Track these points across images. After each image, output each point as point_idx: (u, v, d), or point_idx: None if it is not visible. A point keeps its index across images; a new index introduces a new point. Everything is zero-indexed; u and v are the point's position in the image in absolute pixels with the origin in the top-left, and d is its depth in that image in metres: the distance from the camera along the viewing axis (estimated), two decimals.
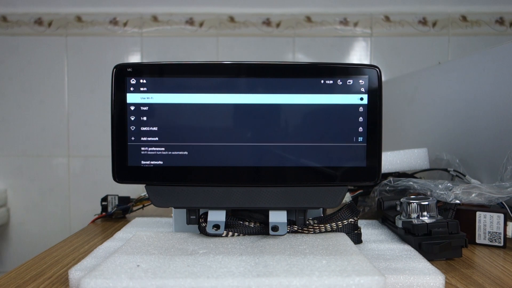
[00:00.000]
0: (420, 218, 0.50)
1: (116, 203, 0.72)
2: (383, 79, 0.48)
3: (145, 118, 0.46)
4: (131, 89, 0.46)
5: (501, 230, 0.52)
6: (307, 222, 0.49)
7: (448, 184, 0.56)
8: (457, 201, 0.53)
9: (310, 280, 0.33)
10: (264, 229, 0.47)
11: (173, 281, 0.32)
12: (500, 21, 1.43)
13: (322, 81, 0.47)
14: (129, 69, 0.46)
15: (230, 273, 0.34)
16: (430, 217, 0.49)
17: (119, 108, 0.46)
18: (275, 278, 0.33)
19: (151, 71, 0.47)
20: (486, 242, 0.53)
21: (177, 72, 0.47)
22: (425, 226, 0.47)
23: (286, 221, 0.47)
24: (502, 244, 0.52)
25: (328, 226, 0.48)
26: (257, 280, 0.33)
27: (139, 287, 0.32)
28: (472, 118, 0.77)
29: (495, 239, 0.52)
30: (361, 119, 0.47)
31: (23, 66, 1.43)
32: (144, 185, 0.48)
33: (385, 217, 0.58)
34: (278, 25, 1.44)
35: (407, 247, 0.47)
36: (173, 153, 0.47)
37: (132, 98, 0.46)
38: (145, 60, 1.44)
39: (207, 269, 0.35)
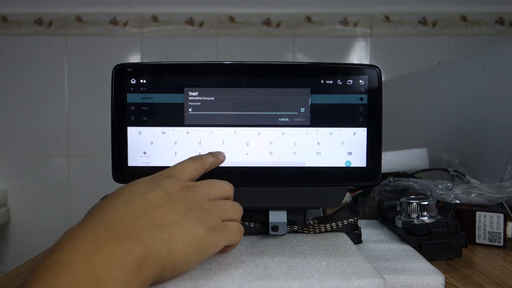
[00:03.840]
0: (420, 218, 0.50)
1: None
2: (383, 79, 0.48)
3: (145, 118, 0.46)
4: (131, 89, 0.46)
5: (501, 230, 0.52)
6: (307, 222, 0.49)
7: (448, 184, 0.56)
8: (457, 201, 0.53)
9: (310, 283, 0.32)
10: (264, 229, 0.47)
11: (172, 285, 0.32)
12: (500, 21, 1.43)
13: (322, 81, 0.47)
14: (129, 69, 0.46)
15: (230, 276, 0.34)
16: (430, 217, 0.49)
17: (119, 108, 0.46)
18: (275, 281, 0.33)
19: (151, 71, 0.47)
20: (486, 242, 0.53)
21: (177, 72, 0.47)
22: (425, 226, 0.47)
23: (286, 221, 0.47)
24: (502, 244, 0.52)
25: (328, 226, 0.48)
26: (257, 283, 0.33)
27: None
28: (472, 118, 0.77)
29: (495, 239, 0.52)
30: (361, 119, 0.47)
31: (23, 66, 1.44)
32: None
33: (385, 217, 0.58)
34: (278, 25, 1.44)
35: (407, 247, 0.47)
36: None
37: (132, 98, 0.46)
38: (145, 60, 1.44)
39: (206, 271, 0.35)
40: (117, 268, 0.27)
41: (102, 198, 0.35)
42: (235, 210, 0.38)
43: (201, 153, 0.46)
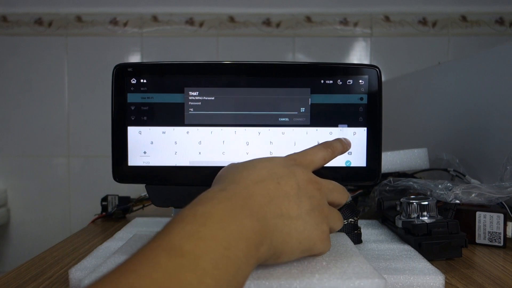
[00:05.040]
0: (420, 218, 0.50)
1: (116, 203, 0.72)
2: (383, 79, 0.48)
3: (145, 118, 0.46)
4: (132, 89, 0.46)
5: (501, 230, 0.52)
6: None
7: (448, 184, 0.56)
8: (457, 201, 0.53)
9: (310, 283, 0.32)
10: None
11: None
12: (500, 21, 1.43)
13: (322, 81, 0.47)
14: (129, 69, 0.46)
15: None
16: (430, 217, 0.49)
17: (119, 108, 0.46)
18: (275, 280, 0.33)
19: (151, 71, 0.47)
20: (486, 242, 0.53)
21: (177, 72, 0.47)
22: (425, 226, 0.47)
23: None
24: (502, 244, 0.52)
25: None
26: (257, 283, 0.33)
27: None
28: (472, 118, 0.77)
29: (495, 239, 0.52)
30: (361, 119, 0.47)
31: (23, 66, 1.44)
32: (144, 185, 0.48)
33: (385, 217, 0.58)
34: (278, 25, 1.44)
35: (407, 247, 0.47)
36: None
37: (132, 98, 0.46)
38: (145, 60, 1.44)
39: None
40: (245, 241, 0.29)
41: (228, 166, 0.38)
42: (340, 223, 0.38)
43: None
